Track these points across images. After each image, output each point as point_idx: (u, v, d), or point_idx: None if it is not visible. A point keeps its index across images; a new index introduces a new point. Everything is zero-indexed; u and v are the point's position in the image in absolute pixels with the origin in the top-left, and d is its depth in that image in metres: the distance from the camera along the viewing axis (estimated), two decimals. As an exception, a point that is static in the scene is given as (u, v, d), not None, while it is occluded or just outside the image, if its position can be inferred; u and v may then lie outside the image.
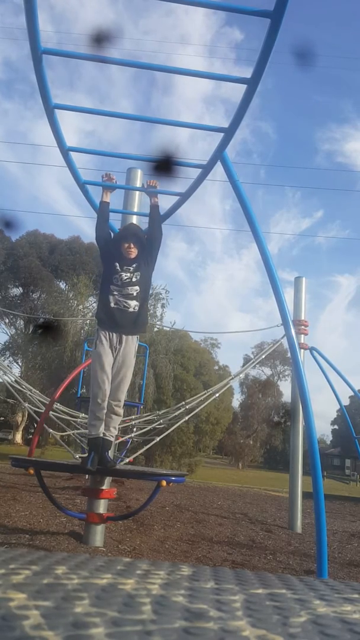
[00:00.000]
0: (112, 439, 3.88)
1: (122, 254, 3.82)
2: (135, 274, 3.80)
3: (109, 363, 3.72)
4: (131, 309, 3.77)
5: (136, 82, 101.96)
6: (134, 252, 3.80)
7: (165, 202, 4.37)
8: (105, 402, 3.73)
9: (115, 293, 3.78)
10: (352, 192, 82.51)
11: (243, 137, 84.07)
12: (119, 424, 4.08)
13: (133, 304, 3.77)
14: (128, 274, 3.79)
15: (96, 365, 3.72)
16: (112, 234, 4.13)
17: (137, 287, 3.80)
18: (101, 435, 3.77)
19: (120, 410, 3.84)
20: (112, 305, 3.76)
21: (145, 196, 4.67)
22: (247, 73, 2.94)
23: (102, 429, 3.78)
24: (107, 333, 3.74)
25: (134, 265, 3.81)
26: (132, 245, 3.80)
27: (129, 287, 3.78)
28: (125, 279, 3.79)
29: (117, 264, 3.81)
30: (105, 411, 3.75)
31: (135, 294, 3.79)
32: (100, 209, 4.07)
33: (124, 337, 3.76)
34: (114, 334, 3.75)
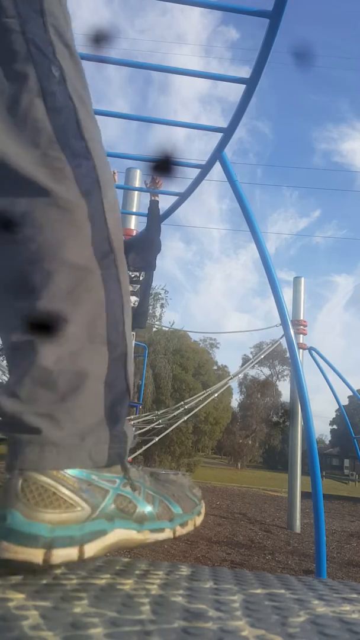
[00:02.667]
0: None
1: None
2: (140, 274, 3.83)
3: None
4: (131, 304, 3.77)
5: (132, 82, 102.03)
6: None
7: (164, 202, 4.37)
8: None
9: None
10: (349, 192, 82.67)
11: (240, 136, 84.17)
12: None
13: (133, 299, 3.79)
14: (134, 273, 3.81)
15: None
16: None
17: (137, 285, 3.81)
18: None
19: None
20: None
21: (145, 197, 4.67)
22: (244, 72, 2.95)
23: None
24: None
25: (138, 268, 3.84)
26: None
27: (131, 285, 3.79)
28: (132, 277, 3.80)
29: None
30: None
31: (135, 290, 3.81)
32: None
33: None
34: None
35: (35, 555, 0.58)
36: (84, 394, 0.67)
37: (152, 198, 4.11)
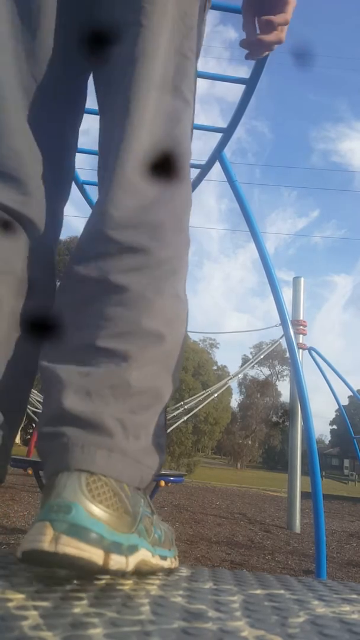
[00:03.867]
0: None
1: None
2: None
3: None
4: None
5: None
6: None
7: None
8: None
9: None
10: (347, 191, 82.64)
11: (238, 136, 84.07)
12: None
13: None
14: None
15: None
16: None
17: None
18: None
19: None
20: None
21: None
22: (242, 71, 2.95)
23: None
24: None
25: None
26: None
27: None
28: None
29: None
30: None
31: None
32: None
33: None
34: None
35: (98, 555, 0.54)
36: (150, 415, 0.68)
37: None
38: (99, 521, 0.56)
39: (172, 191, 0.76)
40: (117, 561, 0.56)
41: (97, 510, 0.56)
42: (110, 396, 0.64)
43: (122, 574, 0.58)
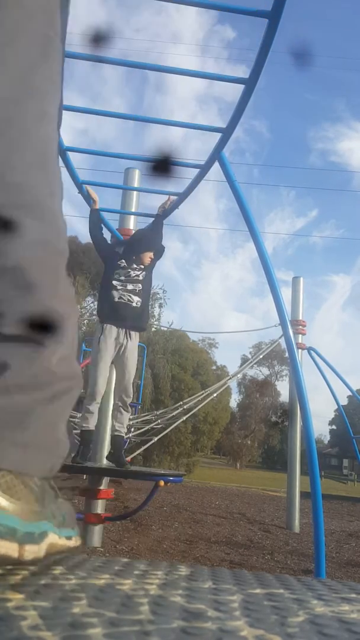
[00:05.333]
0: (124, 435, 3.96)
1: (131, 258, 3.91)
2: (141, 272, 3.92)
3: (109, 359, 3.77)
4: (134, 304, 3.85)
5: (128, 81, 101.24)
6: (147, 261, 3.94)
7: (161, 201, 4.40)
8: (100, 397, 3.80)
9: (119, 288, 3.86)
10: (345, 191, 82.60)
11: (237, 136, 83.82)
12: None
13: (136, 299, 3.86)
14: (136, 272, 3.90)
15: (97, 360, 3.75)
16: (111, 237, 4.27)
17: (140, 285, 3.90)
18: (93, 428, 3.89)
19: (129, 407, 3.95)
20: (116, 299, 3.82)
21: (143, 197, 4.72)
22: (241, 71, 2.95)
23: (94, 422, 3.85)
24: (113, 327, 3.78)
25: (141, 266, 3.93)
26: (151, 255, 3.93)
27: (133, 284, 3.87)
28: (134, 276, 3.88)
29: (124, 261, 3.90)
30: (98, 406, 3.83)
31: (138, 290, 3.88)
32: (91, 218, 4.15)
33: (130, 332, 3.83)
34: (121, 329, 3.79)
35: (13, 549, 0.56)
36: (69, 399, 0.69)
37: (159, 211, 4.23)
38: (10, 515, 0.58)
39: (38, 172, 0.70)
40: (31, 551, 0.59)
41: (7, 503, 0.58)
42: (31, 387, 0.64)
43: (35, 562, 0.61)
